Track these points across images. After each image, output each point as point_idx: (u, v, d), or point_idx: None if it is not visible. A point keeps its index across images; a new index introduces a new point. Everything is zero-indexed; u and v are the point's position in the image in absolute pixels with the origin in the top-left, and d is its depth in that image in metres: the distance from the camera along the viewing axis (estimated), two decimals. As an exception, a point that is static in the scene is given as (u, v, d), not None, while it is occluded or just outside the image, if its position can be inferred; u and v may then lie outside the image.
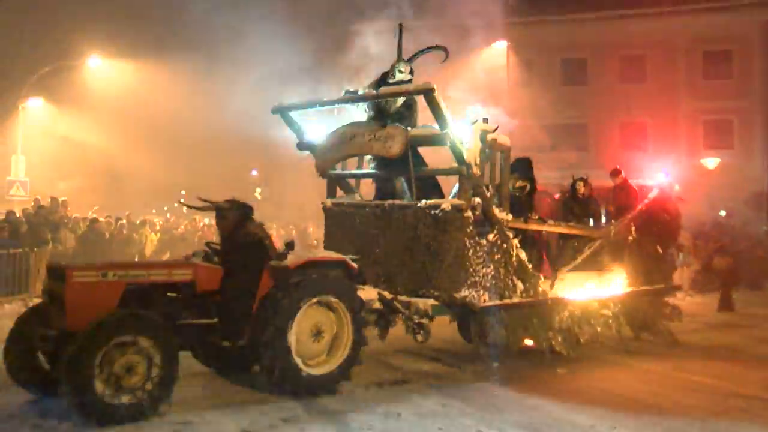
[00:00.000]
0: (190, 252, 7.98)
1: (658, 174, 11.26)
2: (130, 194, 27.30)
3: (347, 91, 8.38)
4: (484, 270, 8.34)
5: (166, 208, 27.66)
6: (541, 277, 9.05)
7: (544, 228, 9.47)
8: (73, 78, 22.63)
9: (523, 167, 9.47)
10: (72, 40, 21.38)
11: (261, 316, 7.08)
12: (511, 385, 7.91)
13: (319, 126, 9.12)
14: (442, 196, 8.78)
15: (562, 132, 28.64)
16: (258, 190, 37.88)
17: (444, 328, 9.24)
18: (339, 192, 9.65)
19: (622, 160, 20.01)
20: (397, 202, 8.70)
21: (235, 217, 7.47)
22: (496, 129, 8.31)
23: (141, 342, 6.21)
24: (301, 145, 9.18)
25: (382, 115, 8.50)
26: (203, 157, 25.91)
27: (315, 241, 18.61)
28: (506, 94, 27.63)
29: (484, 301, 8.30)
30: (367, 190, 9.79)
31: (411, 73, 8.64)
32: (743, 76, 30.10)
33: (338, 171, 9.47)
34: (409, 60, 8.66)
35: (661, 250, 10.76)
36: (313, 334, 7.36)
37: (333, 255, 7.73)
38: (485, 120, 8.40)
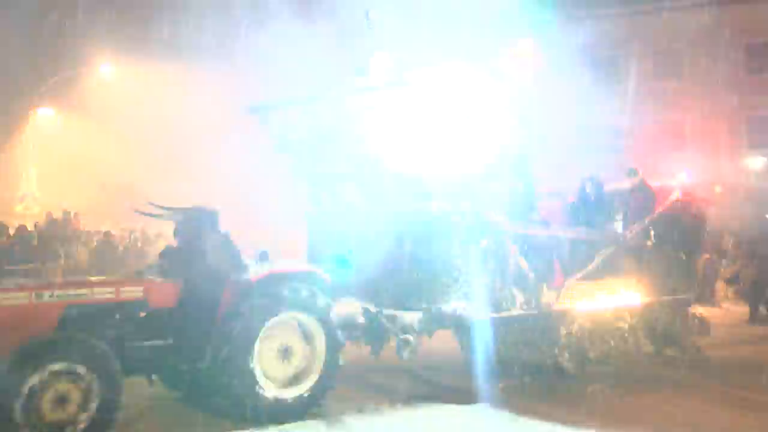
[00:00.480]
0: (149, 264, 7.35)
1: (681, 174, 10.25)
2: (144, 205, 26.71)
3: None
4: (476, 280, 7.57)
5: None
6: (545, 287, 8.22)
7: (547, 233, 8.62)
8: (85, 86, 22.29)
9: (519, 165, 8.66)
10: (83, 47, 21.09)
11: (221, 335, 6.43)
12: (510, 407, 7.10)
13: (300, 126, 8.44)
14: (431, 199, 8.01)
15: (594, 134, 27.50)
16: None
17: (441, 342, 8.44)
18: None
19: (657, 161, 18.90)
20: (383, 207, 7.97)
21: (195, 226, 6.84)
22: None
23: (77, 369, 5.60)
24: (281, 147, 8.52)
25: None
26: (221, 167, 25.34)
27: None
28: (533, 95, 26.69)
29: (478, 314, 7.53)
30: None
31: (396, 64, 7.90)
32: (791, 69, 28.55)
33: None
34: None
35: (684, 257, 9.79)
36: (280, 354, 6.69)
37: (301, 266, 7.05)
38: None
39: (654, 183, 10.12)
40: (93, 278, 7.75)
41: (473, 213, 7.77)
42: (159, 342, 6.42)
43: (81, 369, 5.63)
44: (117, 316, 6.29)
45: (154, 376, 6.72)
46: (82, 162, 20.09)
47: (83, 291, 6.19)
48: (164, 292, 6.51)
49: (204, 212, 6.94)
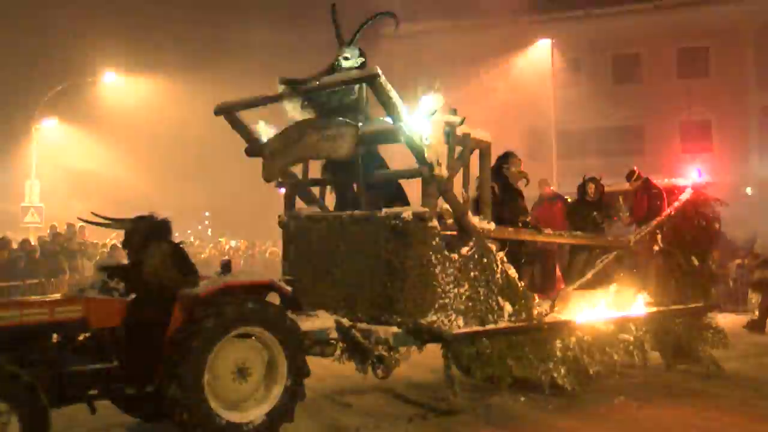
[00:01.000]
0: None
1: (692, 172, 9.49)
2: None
3: (284, 80, 7.14)
4: (456, 290, 6.92)
5: (189, 232, 26.68)
6: (536, 297, 7.54)
7: (539, 238, 7.94)
8: (88, 96, 21.99)
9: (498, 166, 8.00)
10: (85, 56, 20.91)
11: (168, 355, 5.87)
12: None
13: (271, 127, 7.89)
14: (406, 203, 7.41)
15: (615, 135, 26.63)
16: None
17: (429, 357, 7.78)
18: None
19: (683, 162, 18.01)
20: (356, 213, 7.36)
21: (142, 237, 6.30)
22: (463, 121, 6.89)
23: None
24: (251, 150, 7.95)
25: (324, 111, 7.22)
26: (229, 177, 24.90)
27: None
28: (552, 96, 25.89)
29: (458, 327, 6.88)
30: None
31: (362, 55, 7.31)
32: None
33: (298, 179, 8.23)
34: (352, 41, 7.32)
35: (696, 262, 9.01)
36: (235, 374, 6.10)
37: (258, 278, 6.46)
38: (454, 111, 7.01)
39: (661, 182, 9.38)
40: (28, 298, 7.22)
41: (452, 217, 7.15)
42: (101, 365, 5.83)
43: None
44: (52, 339, 5.75)
45: (98, 403, 6.15)
46: (86, 173, 19.86)
47: (9, 313, 5.55)
48: (107, 311, 5.91)
49: (153, 222, 6.41)
